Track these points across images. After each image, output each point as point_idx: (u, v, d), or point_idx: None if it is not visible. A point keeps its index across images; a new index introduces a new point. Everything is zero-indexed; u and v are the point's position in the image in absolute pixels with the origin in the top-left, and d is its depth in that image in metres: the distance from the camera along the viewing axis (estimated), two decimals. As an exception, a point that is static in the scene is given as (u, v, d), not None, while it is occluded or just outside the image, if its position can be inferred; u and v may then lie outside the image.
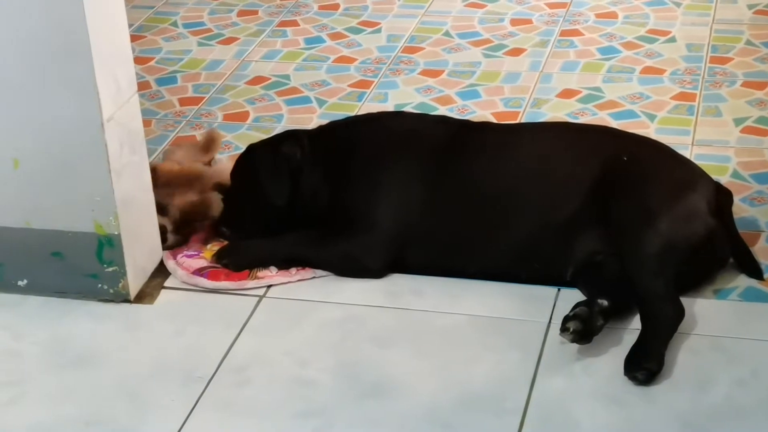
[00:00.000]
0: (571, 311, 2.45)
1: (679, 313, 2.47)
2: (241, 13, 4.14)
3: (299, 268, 2.76)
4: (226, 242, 2.84)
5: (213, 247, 2.82)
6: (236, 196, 2.86)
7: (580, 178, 2.63)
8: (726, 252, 2.66)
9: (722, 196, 2.66)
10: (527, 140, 2.76)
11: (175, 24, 4.09)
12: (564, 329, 2.43)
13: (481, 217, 2.68)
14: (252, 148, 2.88)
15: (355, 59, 3.77)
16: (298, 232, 2.79)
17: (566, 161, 2.67)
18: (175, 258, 2.79)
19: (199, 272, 2.74)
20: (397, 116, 3.06)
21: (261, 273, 2.74)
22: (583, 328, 2.43)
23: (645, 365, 2.38)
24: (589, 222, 2.60)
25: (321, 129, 2.92)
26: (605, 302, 2.46)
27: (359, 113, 3.41)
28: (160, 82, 3.70)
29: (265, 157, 2.82)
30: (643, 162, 2.66)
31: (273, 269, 2.75)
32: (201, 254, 2.80)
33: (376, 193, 2.72)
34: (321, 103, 3.52)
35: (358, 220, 2.71)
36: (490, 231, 2.66)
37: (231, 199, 2.88)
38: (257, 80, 3.68)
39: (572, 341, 2.43)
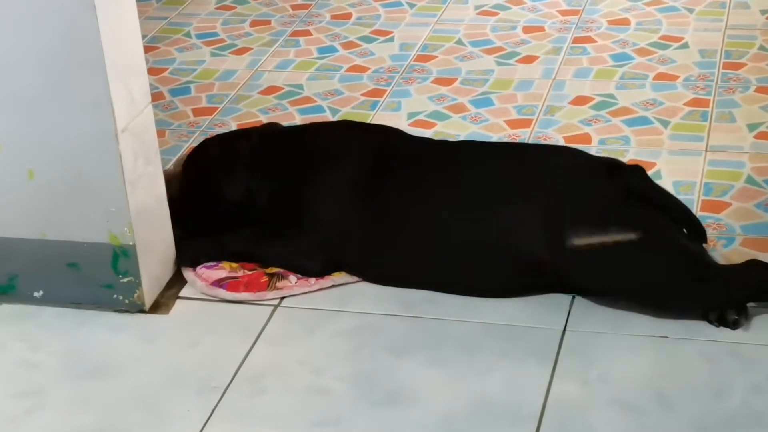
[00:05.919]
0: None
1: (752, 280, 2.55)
2: (253, 23, 4.15)
3: (317, 278, 2.76)
4: None
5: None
6: (186, 192, 2.89)
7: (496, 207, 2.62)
8: (697, 224, 2.64)
9: (628, 174, 2.62)
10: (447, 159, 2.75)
11: (188, 34, 4.10)
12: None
13: (406, 231, 2.68)
14: (205, 144, 2.92)
15: (368, 68, 3.78)
16: (244, 229, 2.81)
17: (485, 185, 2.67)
18: (194, 269, 2.80)
19: (219, 283, 2.74)
20: (339, 127, 3.05)
21: (280, 284, 2.74)
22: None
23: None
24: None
25: (272, 129, 2.97)
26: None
27: (372, 122, 3.42)
28: (174, 92, 3.71)
29: (219, 152, 2.85)
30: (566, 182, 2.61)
31: (293, 279, 2.75)
32: (220, 264, 2.80)
33: (314, 196, 2.74)
34: (334, 112, 3.52)
35: (298, 222, 2.74)
36: (416, 246, 2.67)
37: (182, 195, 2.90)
38: (270, 90, 3.68)
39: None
